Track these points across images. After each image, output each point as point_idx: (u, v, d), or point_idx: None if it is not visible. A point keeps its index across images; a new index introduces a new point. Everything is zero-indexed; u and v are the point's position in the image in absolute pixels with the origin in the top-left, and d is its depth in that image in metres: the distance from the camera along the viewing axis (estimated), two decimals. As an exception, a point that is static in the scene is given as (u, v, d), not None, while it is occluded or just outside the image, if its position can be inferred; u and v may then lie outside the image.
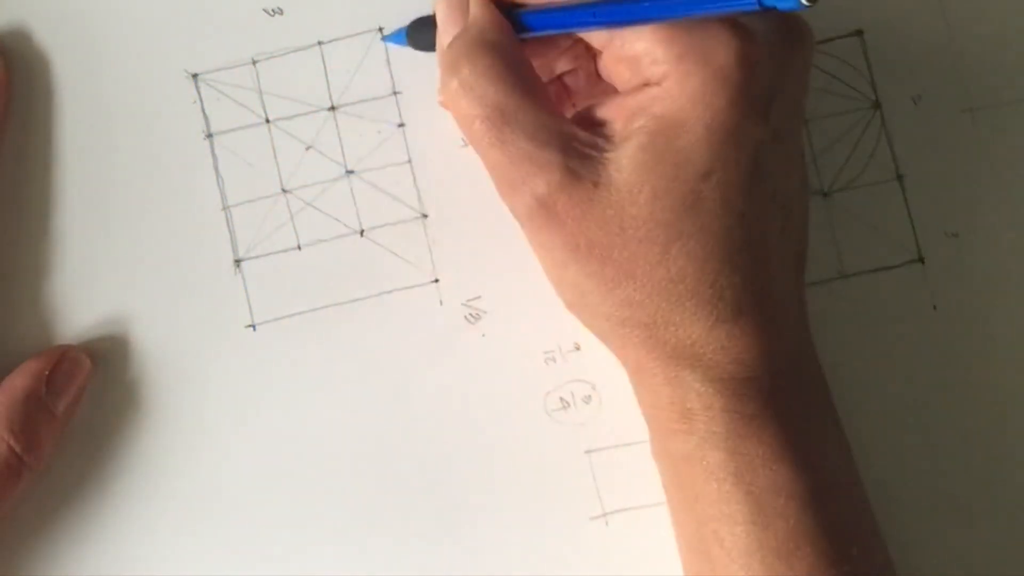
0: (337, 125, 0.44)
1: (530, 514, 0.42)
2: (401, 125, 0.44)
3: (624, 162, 0.36)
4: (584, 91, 0.41)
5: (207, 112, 0.44)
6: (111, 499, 0.43)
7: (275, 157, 0.44)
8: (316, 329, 0.43)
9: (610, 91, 0.39)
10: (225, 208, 0.44)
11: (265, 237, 0.44)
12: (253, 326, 0.43)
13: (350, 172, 0.44)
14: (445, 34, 0.39)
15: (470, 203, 0.43)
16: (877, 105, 0.44)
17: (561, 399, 0.43)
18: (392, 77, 0.44)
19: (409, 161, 0.44)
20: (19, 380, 0.41)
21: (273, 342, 0.43)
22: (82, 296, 0.43)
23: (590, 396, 0.43)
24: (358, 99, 0.44)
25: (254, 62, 0.44)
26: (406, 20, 0.43)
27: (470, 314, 0.43)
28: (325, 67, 0.44)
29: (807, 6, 0.30)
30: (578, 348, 0.43)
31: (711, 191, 0.35)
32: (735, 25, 0.35)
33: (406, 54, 0.43)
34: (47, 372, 0.41)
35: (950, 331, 0.43)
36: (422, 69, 0.43)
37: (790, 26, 0.37)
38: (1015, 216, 0.44)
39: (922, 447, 0.43)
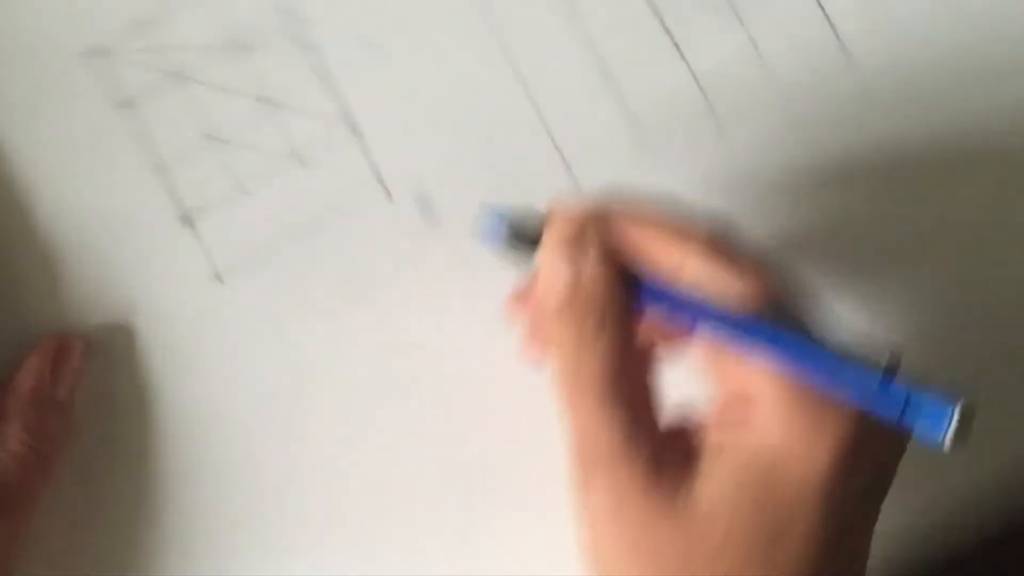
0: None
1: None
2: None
3: (707, 487, 0.34)
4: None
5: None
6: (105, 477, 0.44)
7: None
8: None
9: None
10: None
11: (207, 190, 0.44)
12: (219, 276, 0.44)
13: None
14: (554, 274, 0.36)
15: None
16: None
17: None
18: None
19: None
20: (26, 381, 0.42)
21: (244, 293, 0.44)
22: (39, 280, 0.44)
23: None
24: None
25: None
26: None
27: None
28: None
29: (945, 448, 0.28)
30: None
31: (790, 545, 0.34)
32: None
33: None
34: (49, 366, 0.42)
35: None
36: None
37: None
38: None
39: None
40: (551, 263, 0.36)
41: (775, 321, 0.33)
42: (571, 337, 0.35)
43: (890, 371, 0.30)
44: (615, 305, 0.36)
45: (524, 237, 0.37)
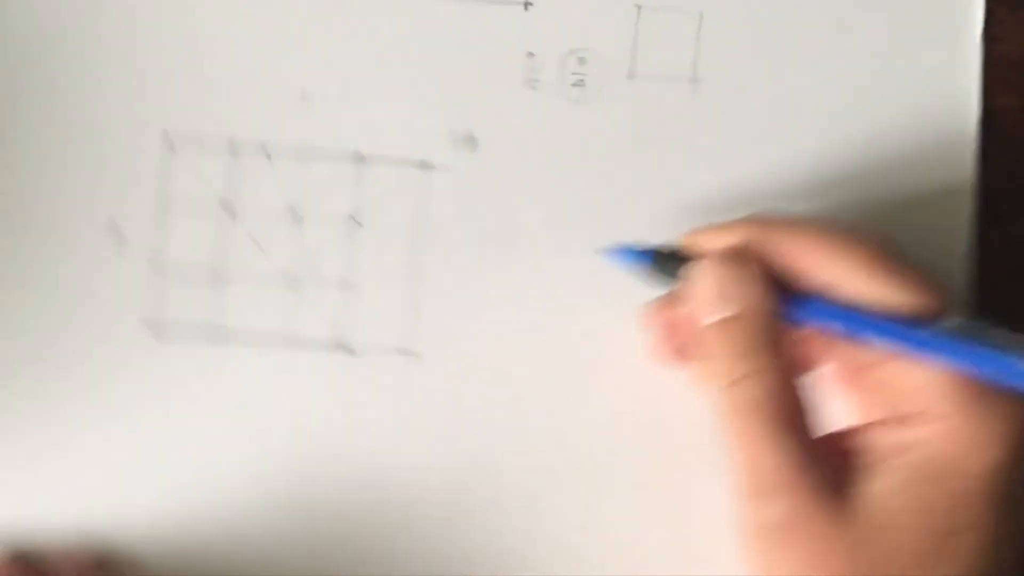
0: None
1: None
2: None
3: (878, 497, 0.34)
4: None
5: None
6: None
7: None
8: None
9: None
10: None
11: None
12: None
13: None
14: (709, 309, 0.36)
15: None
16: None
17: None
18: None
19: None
20: None
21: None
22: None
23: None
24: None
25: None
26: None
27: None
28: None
29: None
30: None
31: (969, 542, 0.34)
32: None
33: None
34: None
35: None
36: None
37: None
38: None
39: None
40: (711, 279, 0.37)
41: (945, 329, 0.34)
42: (733, 359, 0.36)
43: None
44: (778, 329, 0.36)
45: (666, 267, 0.39)
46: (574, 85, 0.43)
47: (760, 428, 0.35)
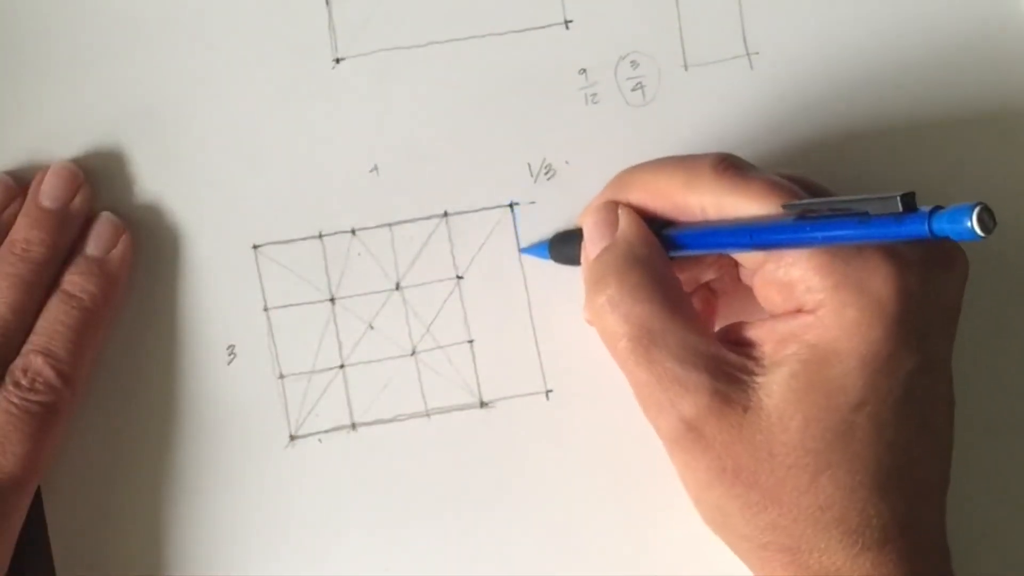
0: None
1: None
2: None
3: (775, 388, 0.35)
4: (730, 297, 0.41)
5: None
6: None
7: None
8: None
9: (756, 303, 0.38)
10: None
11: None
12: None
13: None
14: (592, 247, 0.39)
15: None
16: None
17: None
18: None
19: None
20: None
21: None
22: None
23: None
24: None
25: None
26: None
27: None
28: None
29: (982, 236, 0.29)
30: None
31: (863, 421, 0.35)
32: (891, 254, 0.35)
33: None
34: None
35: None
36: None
37: (944, 249, 0.37)
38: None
39: None
40: (586, 227, 0.39)
41: (794, 216, 0.34)
42: (618, 290, 0.37)
43: (908, 203, 0.31)
44: (654, 251, 0.38)
45: (567, 241, 0.41)
46: (633, 90, 0.43)
47: (648, 341, 0.36)
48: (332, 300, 0.43)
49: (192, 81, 0.43)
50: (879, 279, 0.35)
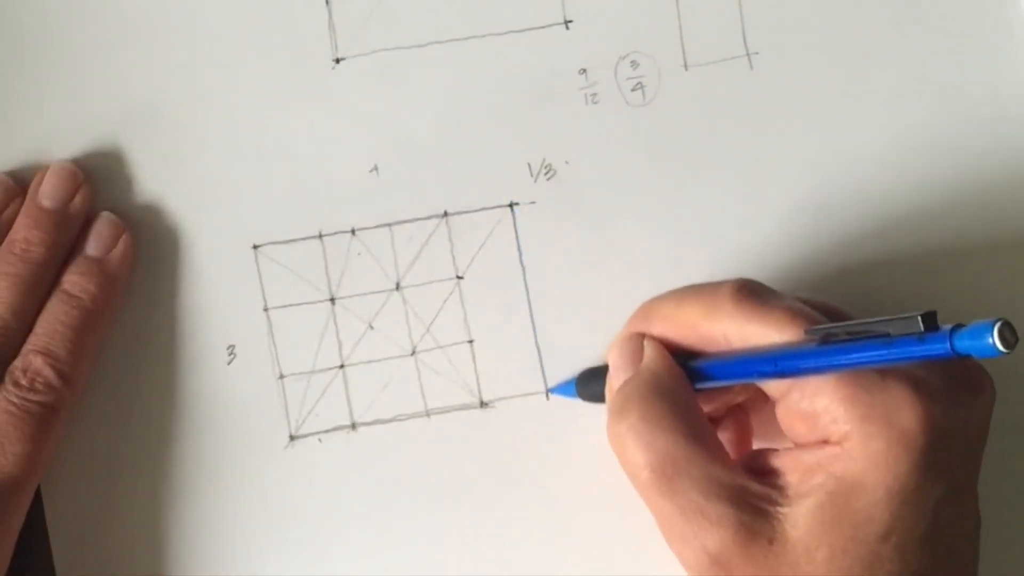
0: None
1: None
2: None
3: (800, 520, 0.35)
4: (760, 418, 0.41)
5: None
6: None
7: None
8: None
9: (781, 433, 0.38)
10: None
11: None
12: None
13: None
14: (617, 377, 0.39)
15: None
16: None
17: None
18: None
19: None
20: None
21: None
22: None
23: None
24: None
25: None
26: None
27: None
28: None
29: (1004, 352, 0.29)
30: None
31: (889, 552, 0.35)
32: (917, 383, 0.35)
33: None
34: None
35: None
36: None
37: (970, 375, 0.37)
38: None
39: None
40: (611, 359, 0.39)
41: (815, 342, 0.34)
42: (640, 418, 0.37)
43: (929, 322, 0.31)
44: (678, 381, 0.38)
45: (594, 378, 0.41)
46: (633, 90, 0.43)
47: (674, 474, 0.36)
48: (332, 300, 0.43)
49: (192, 81, 0.43)
50: (906, 411, 0.34)
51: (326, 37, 0.43)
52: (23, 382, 0.39)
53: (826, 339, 0.34)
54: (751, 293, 0.37)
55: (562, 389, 0.42)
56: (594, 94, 0.43)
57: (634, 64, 0.43)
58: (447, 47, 0.43)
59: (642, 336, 0.39)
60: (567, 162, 0.43)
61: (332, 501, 0.42)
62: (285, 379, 0.42)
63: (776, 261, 0.43)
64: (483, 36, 0.43)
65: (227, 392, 0.42)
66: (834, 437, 0.35)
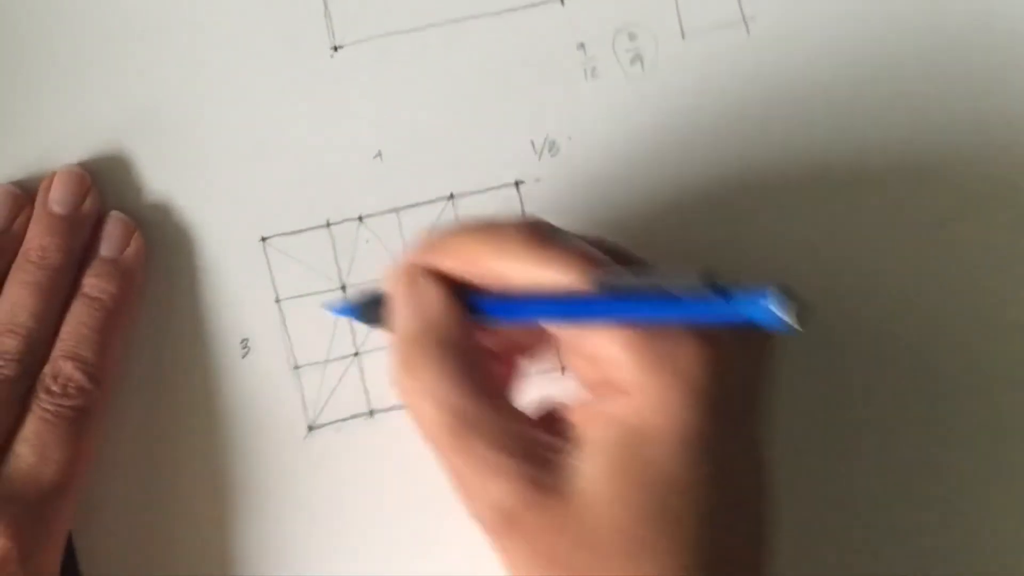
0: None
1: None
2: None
3: (590, 471, 0.34)
4: (545, 356, 0.40)
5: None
6: None
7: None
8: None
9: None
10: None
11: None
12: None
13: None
14: (399, 323, 0.37)
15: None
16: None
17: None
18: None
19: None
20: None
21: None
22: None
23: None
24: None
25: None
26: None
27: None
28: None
29: (782, 319, 0.29)
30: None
31: (681, 501, 0.34)
32: (701, 331, 0.34)
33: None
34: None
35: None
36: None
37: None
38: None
39: None
40: (395, 311, 0.37)
41: (601, 291, 0.34)
42: (428, 376, 0.36)
43: (710, 283, 0.31)
44: (463, 331, 0.36)
45: (375, 304, 0.39)
46: (632, 62, 0.43)
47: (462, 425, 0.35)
48: (343, 288, 0.43)
49: (191, 78, 0.43)
50: (691, 358, 0.34)
51: (323, 26, 0.43)
52: (55, 388, 0.40)
53: (609, 289, 0.33)
54: (539, 233, 0.36)
55: (344, 310, 0.41)
56: (593, 68, 0.43)
57: (631, 36, 0.43)
58: (444, 29, 0.43)
59: (421, 271, 0.37)
60: (570, 138, 0.43)
61: (353, 489, 0.42)
62: (300, 369, 0.43)
63: (779, 226, 0.43)
64: (479, 16, 0.43)
65: (244, 386, 0.42)
66: (619, 384, 0.34)
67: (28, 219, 0.42)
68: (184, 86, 0.43)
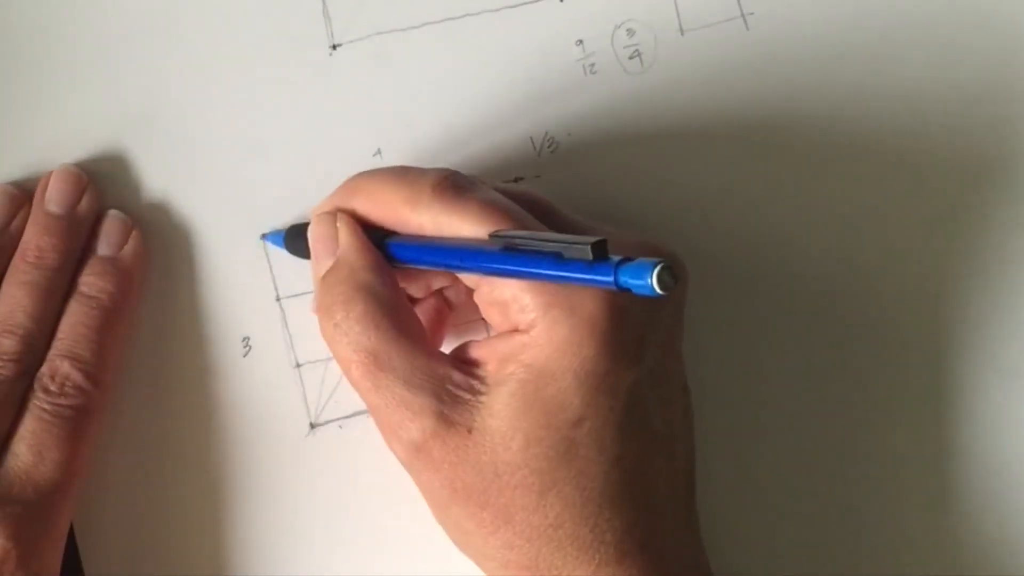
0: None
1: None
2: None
3: (497, 408, 0.36)
4: (463, 304, 0.41)
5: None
6: None
7: None
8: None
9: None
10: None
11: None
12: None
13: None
14: (317, 263, 0.39)
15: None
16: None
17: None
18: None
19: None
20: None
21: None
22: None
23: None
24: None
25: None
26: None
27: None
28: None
29: (662, 295, 0.30)
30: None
31: (584, 437, 0.36)
32: None
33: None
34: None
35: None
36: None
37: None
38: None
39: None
40: (313, 251, 0.39)
41: (500, 247, 0.35)
42: (344, 318, 0.37)
43: (598, 251, 0.32)
44: (378, 273, 0.38)
45: (301, 235, 0.40)
46: (631, 57, 0.43)
47: (373, 360, 0.37)
48: (343, 286, 0.43)
49: (190, 78, 0.43)
50: (589, 298, 0.35)
51: (321, 24, 0.43)
52: (52, 388, 0.40)
53: (508, 246, 0.34)
54: (452, 186, 0.37)
55: (272, 238, 0.42)
56: (592, 64, 0.43)
57: (630, 32, 0.43)
58: (442, 27, 0.43)
59: (338, 214, 0.39)
60: (569, 134, 0.43)
61: (356, 486, 0.42)
62: (302, 367, 0.43)
63: (776, 220, 0.43)
64: (477, 13, 0.43)
65: (245, 384, 0.43)
66: (522, 325, 0.36)
67: (26, 219, 0.42)
68: (182, 85, 0.43)
